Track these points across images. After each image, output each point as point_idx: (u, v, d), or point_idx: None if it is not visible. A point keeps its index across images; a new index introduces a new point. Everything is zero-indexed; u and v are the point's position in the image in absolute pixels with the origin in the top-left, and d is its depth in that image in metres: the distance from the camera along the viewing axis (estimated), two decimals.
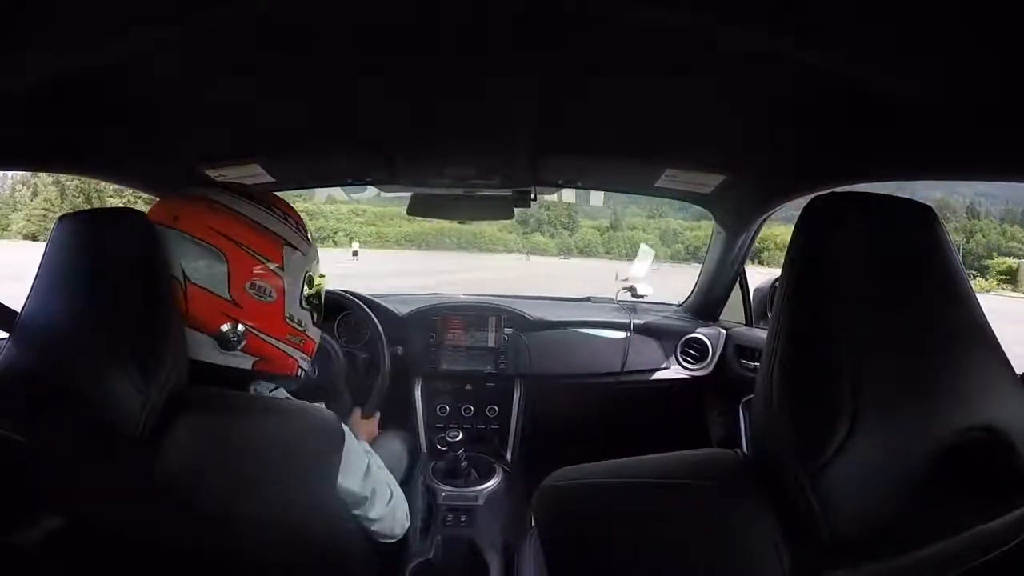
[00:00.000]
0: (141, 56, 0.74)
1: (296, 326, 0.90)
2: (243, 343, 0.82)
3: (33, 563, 0.65)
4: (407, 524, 1.04)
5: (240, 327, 0.81)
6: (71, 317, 0.69)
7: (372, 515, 0.92)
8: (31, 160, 1.00)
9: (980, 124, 0.66)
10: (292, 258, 0.87)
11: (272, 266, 0.84)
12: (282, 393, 0.89)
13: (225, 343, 0.81)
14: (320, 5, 0.65)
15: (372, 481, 0.91)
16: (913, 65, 0.60)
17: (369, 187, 1.68)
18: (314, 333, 0.95)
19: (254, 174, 1.37)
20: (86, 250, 0.71)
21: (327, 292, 1.68)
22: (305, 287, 0.90)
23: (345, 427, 0.86)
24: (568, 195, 1.80)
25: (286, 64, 0.82)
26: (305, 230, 0.91)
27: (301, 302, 0.90)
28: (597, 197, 1.90)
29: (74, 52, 0.66)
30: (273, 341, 0.86)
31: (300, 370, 0.94)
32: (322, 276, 0.97)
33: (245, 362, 0.85)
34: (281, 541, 0.77)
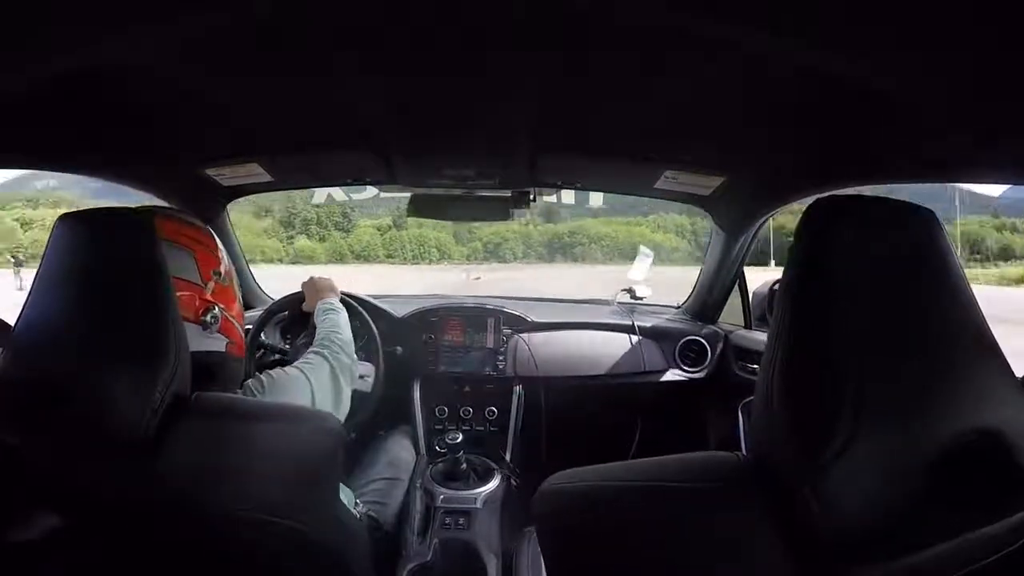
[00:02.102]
0: (141, 56, 0.74)
1: (240, 308, 1.01)
2: (218, 324, 0.92)
3: (33, 564, 0.65)
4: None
5: (216, 310, 0.91)
6: (71, 318, 0.68)
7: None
8: (31, 160, 0.99)
9: (981, 126, 0.66)
10: (223, 253, 0.98)
11: (221, 256, 0.96)
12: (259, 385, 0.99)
13: (205, 327, 0.90)
14: (319, 5, 0.65)
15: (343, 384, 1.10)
16: (913, 66, 0.60)
17: (368, 187, 1.68)
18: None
19: (254, 174, 1.37)
20: (87, 250, 0.71)
21: None
22: (235, 274, 1.02)
23: (296, 368, 1.03)
24: (567, 196, 1.81)
25: (286, 64, 0.82)
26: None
27: (239, 285, 1.02)
28: (597, 198, 1.91)
29: (74, 52, 0.66)
30: (236, 323, 0.97)
31: (244, 352, 1.03)
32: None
33: (219, 344, 0.93)
34: (282, 544, 0.76)
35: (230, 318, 0.95)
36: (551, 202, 1.83)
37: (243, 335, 1.00)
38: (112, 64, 0.74)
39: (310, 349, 1.16)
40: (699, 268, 1.89)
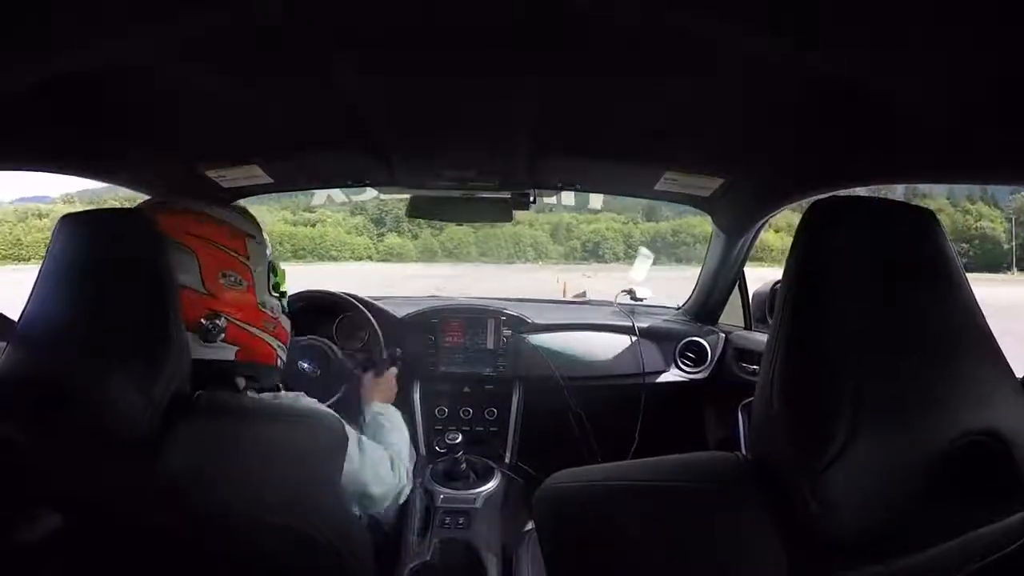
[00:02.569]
0: (141, 56, 0.74)
1: (270, 312, 0.94)
2: (223, 333, 0.85)
3: (34, 564, 0.64)
4: (410, 481, 1.10)
5: (220, 319, 0.84)
6: (73, 317, 0.68)
7: (380, 492, 0.98)
8: (31, 160, 0.99)
9: (980, 126, 0.66)
10: (255, 248, 0.92)
11: (240, 256, 0.89)
12: (292, 395, 0.92)
13: (206, 334, 0.83)
14: (319, 5, 0.65)
15: (368, 460, 0.96)
16: (913, 67, 0.60)
17: (368, 189, 1.68)
18: (285, 322, 0.99)
19: (253, 175, 1.37)
20: (88, 251, 0.71)
21: (327, 293, 1.70)
22: (271, 275, 0.96)
23: (348, 428, 0.89)
24: (567, 198, 1.81)
25: (286, 64, 0.82)
26: (258, 223, 0.97)
27: (269, 289, 0.95)
28: (596, 199, 1.91)
29: (74, 52, 0.66)
30: (251, 328, 0.90)
31: (278, 359, 0.96)
32: (282, 268, 1.03)
33: (228, 353, 0.87)
34: (283, 544, 0.76)
35: (242, 325, 0.88)
36: (551, 203, 1.83)
37: (271, 342, 0.93)
38: (112, 65, 0.74)
39: (384, 445, 1.07)
40: None
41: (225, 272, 0.86)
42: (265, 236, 0.96)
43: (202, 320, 0.83)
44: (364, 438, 0.98)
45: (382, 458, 1.01)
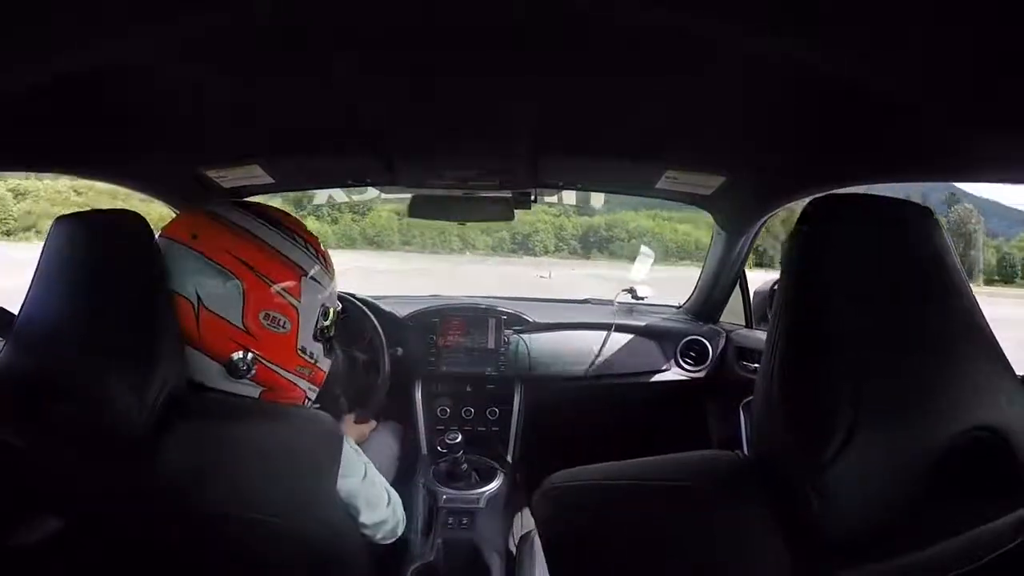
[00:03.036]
0: (141, 56, 0.74)
1: (308, 358, 0.88)
2: (252, 372, 0.80)
3: (32, 564, 0.65)
4: (404, 523, 1.03)
5: (250, 356, 0.80)
6: (68, 318, 0.69)
7: (371, 520, 0.91)
8: (31, 160, 1.00)
9: (980, 125, 0.66)
10: (309, 290, 0.85)
11: (289, 297, 0.82)
12: None
13: (234, 371, 0.79)
14: (319, 5, 0.65)
15: (369, 486, 0.91)
16: (913, 66, 0.60)
17: (370, 188, 1.68)
18: (324, 364, 0.93)
19: (254, 175, 1.37)
20: (83, 251, 0.71)
21: None
22: (320, 319, 0.88)
23: (343, 432, 0.86)
24: (568, 196, 1.81)
25: (286, 64, 0.82)
26: (325, 259, 0.89)
27: (315, 334, 0.88)
28: (597, 198, 1.91)
29: (74, 52, 0.66)
30: (283, 373, 0.85)
31: (307, 400, 0.92)
32: (338, 309, 0.95)
33: (252, 391, 0.84)
34: (280, 543, 0.77)
35: (275, 368, 0.83)
36: (552, 202, 1.83)
37: (303, 387, 0.89)
38: (112, 65, 0.74)
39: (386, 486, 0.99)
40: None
41: (268, 313, 0.80)
42: (329, 274, 0.89)
43: (233, 356, 0.78)
44: (368, 461, 0.93)
45: (382, 492, 0.95)
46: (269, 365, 0.82)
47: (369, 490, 0.91)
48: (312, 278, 0.85)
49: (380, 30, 0.71)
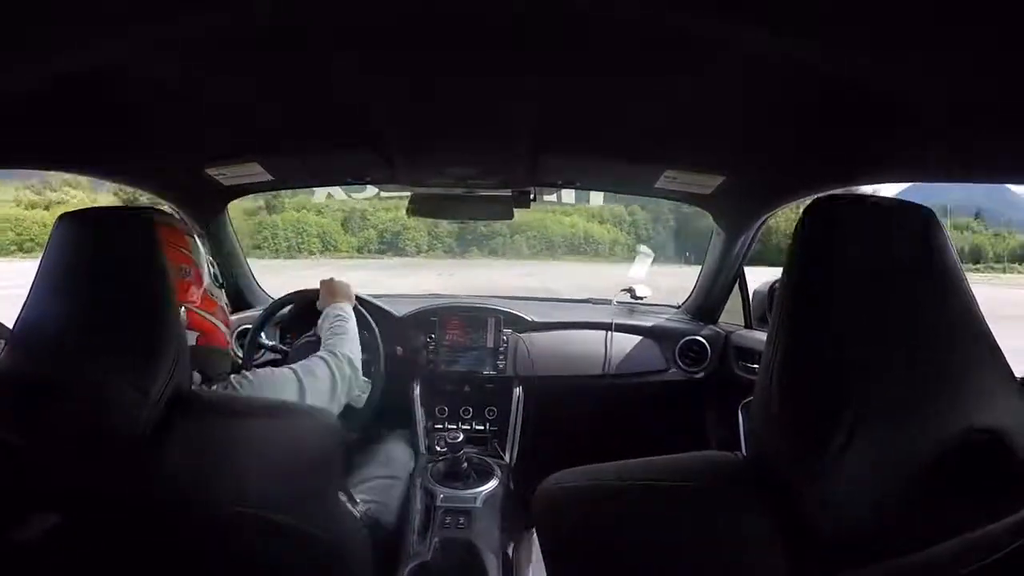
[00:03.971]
0: (141, 56, 0.74)
1: (217, 300, 1.02)
2: (185, 319, 0.92)
3: (32, 563, 0.65)
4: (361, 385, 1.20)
5: (181, 306, 0.91)
6: (71, 316, 0.69)
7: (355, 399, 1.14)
8: (31, 160, 1.00)
9: (980, 125, 0.66)
10: (194, 244, 0.98)
11: (185, 252, 0.96)
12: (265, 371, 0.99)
13: None
14: (319, 5, 0.65)
15: (340, 386, 1.11)
16: (913, 66, 0.60)
17: (368, 186, 1.68)
18: (226, 306, 1.07)
19: (254, 173, 1.37)
20: (87, 249, 0.71)
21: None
22: (210, 268, 1.02)
23: (293, 369, 1.02)
24: (567, 195, 1.81)
25: (285, 64, 0.82)
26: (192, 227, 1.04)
27: (212, 279, 1.02)
28: (597, 197, 1.91)
29: (74, 52, 0.66)
30: (207, 316, 0.98)
31: (229, 345, 1.03)
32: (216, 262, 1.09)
33: (190, 339, 0.93)
34: (281, 541, 0.77)
35: (201, 312, 0.96)
36: (551, 201, 1.83)
37: (222, 327, 1.01)
38: (112, 64, 0.74)
39: (315, 353, 1.15)
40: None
41: (180, 267, 0.93)
42: (200, 234, 1.05)
43: None
44: (299, 369, 1.05)
45: (324, 378, 1.09)
46: (196, 310, 0.96)
47: (313, 391, 1.03)
48: (191, 236, 0.99)
49: (380, 30, 0.71)
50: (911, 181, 0.93)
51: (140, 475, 0.69)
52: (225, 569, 0.76)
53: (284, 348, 1.59)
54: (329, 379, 1.09)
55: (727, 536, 0.51)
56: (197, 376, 0.94)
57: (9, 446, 0.64)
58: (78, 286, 0.69)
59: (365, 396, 1.44)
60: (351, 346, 1.25)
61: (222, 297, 1.05)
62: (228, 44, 0.74)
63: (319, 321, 1.36)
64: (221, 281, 1.08)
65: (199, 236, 1.03)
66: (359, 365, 1.22)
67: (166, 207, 1.07)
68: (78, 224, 0.72)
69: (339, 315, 1.34)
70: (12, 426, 0.65)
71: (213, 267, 1.04)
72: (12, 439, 0.64)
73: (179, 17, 0.61)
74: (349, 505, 0.90)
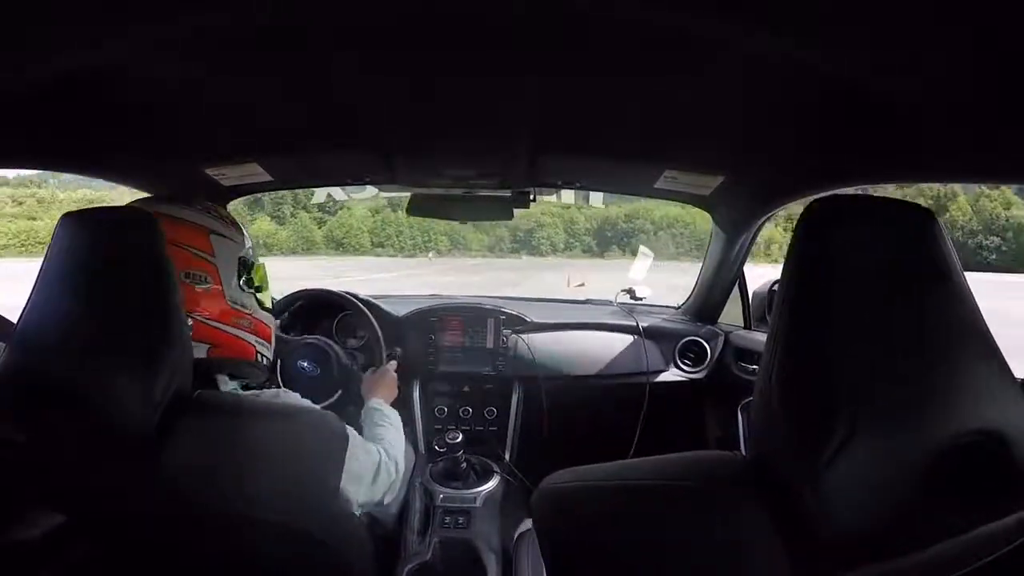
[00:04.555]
0: (141, 56, 0.74)
1: (241, 308, 0.92)
2: (188, 331, 0.82)
3: (34, 563, 0.65)
4: (402, 472, 1.09)
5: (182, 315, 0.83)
6: (75, 316, 0.68)
7: (385, 501, 0.99)
8: (31, 160, 0.99)
9: (980, 126, 0.66)
10: (221, 244, 0.90)
11: (202, 254, 0.87)
12: (272, 392, 0.92)
13: None
14: (319, 5, 0.65)
15: (383, 478, 0.97)
16: (913, 66, 0.60)
17: (368, 187, 1.68)
18: (264, 317, 0.98)
19: (253, 173, 1.37)
20: (90, 249, 0.71)
21: (325, 292, 1.70)
22: (242, 271, 0.93)
23: (348, 428, 0.89)
24: (567, 196, 1.81)
25: (285, 64, 0.82)
26: (231, 220, 0.95)
27: (240, 286, 0.93)
28: (596, 197, 1.91)
29: (74, 52, 0.66)
30: (220, 326, 0.89)
31: (260, 356, 0.95)
32: (261, 262, 1.00)
33: (199, 351, 0.86)
34: (283, 542, 0.77)
35: (212, 323, 0.88)
36: (551, 202, 1.83)
37: (249, 338, 0.93)
38: (112, 64, 0.74)
39: (375, 439, 1.06)
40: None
41: (189, 272, 0.85)
42: (240, 232, 0.95)
43: None
44: (357, 435, 0.95)
45: (371, 458, 0.99)
46: (207, 322, 0.87)
47: (382, 488, 0.97)
48: (220, 234, 0.90)
49: (380, 30, 0.71)
50: (911, 181, 0.93)
51: (142, 475, 0.69)
52: (226, 569, 0.76)
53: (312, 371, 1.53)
54: (373, 469, 0.97)
55: (726, 535, 0.51)
56: (224, 379, 0.89)
57: (12, 446, 0.64)
58: (79, 286, 0.69)
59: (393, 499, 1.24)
60: (399, 449, 1.11)
61: (253, 305, 0.95)
62: (228, 44, 0.74)
63: (363, 412, 1.23)
64: (258, 285, 0.98)
65: (234, 231, 0.94)
66: (403, 472, 1.09)
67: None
68: (79, 224, 0.72)
69: (384, 414, 1.21)
70: (14, 426, 0.65)
71: (247, 271, 0.94)
72: (15, 439, 0.64)
73: (179, 17, 0.61)
74: (349, 506, 0.89)
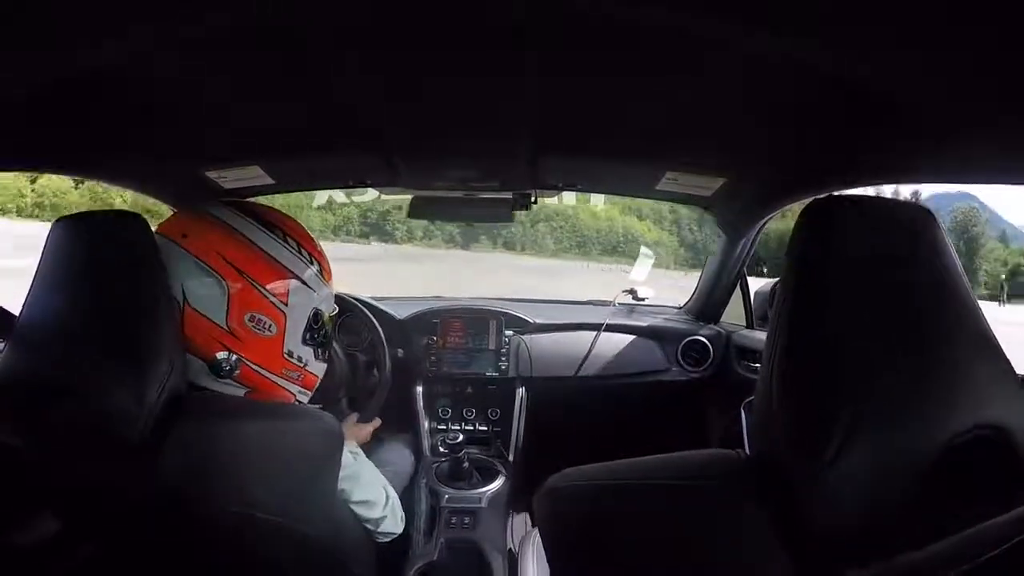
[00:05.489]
0: (141, 57, 0.74)
1: (295, 362, 0.87)
2: (236, 372, 0.80)
3: (33, 564, 0.65)
4: (403, 523, 1.06)
5: (234, 357, 0.79)
6: (69, 319, 0.69)
7: (367, 517, 0.94)
8: (28, 163, 1.00)
9: (980, 125, 0.66)
10: (298, 293, 0.84)
11: (275, 300, 0.82)
12: None
13: (218, 370, 0.79)
14: (319, 5, 0.65)
15: (367, 487, 0.94)
16: (913, 66, 0.60)
17: (369, 189, 1.68)
18: (316, 368, 0.93)
19: (254, 176, 1.37)
20: (84, 252, 0.71)
21: None
22: (311, 324, 0.87)
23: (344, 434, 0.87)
24: (568, 198, 1.81)
25: (286, 65, 0.82)
26: (320, 263, 0.89)
27: (304, 338, 0.87)
28: (597, 199, 1.91)
29: (74, 53, 0.66)
30: (268, 375, 0.84)
31: (296, 402, 0.92)
32: (335, 311, 0.94)
33: (237, 391, 0.83)
34: (282, 542, 0.77)
35: (260, 370, 0.83)
36: (552, 203, 1.83)
37: (292, 390, 0.89)
38: (112, 65, 0.74)
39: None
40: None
41: (254, 315, 0.80)
42: (319, 280, 0.88)
43: (217, 355, 0.78)
44: (367, 462, 0.95)
45: (379, 484, 0.98)
46: (253, 367, 0.82)
47: (367, 491, 0.93)
48: (302, 282, 0.85)
49: (380, 30, 0.71)
50: (911, 182, 0.93)
51: (139, 477, 0.69)
52: (226, 570, 0.76)
53: None
54: (383, 504, 0.97)
55: (728, 535, 0.51)
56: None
57: (7, 447, 0.64)
58: (73, 289, 0.70)
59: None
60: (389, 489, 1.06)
61: (309, 356, 0.88)
62: (228, 44, 0.74)
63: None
64: (322, 339, 0.91)
65: (318, 280, 0.87)
66: (394, 499, 1.05)
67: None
68: (73, 228, 0.72)
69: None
70: (10, 428, 0.65)
71: (316, 323, 0.87)
72: (10, 440, 0.64)
73: (179, 17, 0.61)
74: (347, 505, 0.89)
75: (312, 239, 0.89)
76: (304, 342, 0.87)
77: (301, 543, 0.78)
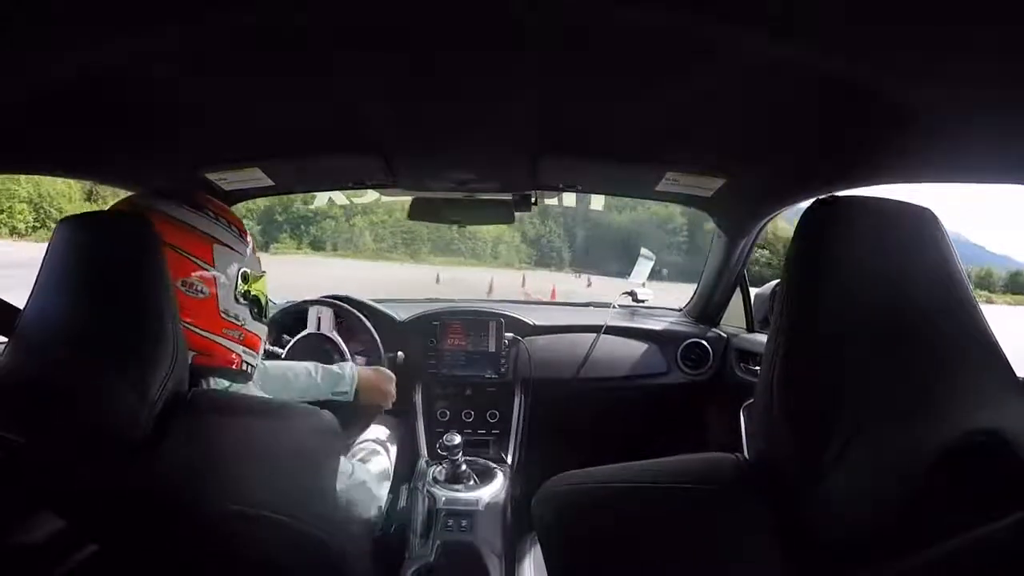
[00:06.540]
0: (141, 58, 0.74)
1: (233, 320, 0.92)
2: (181, 330, 0.82)
3: (33, 564, 0.64)
4: (385, 517, 1.13)
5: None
6: (71, 319, 0.69)
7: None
8: (31, 163, 1.00)
9: (980, 125, 0.66)
10: (223, 256, 0.89)
11: (202, 263, 0.87)
12: (251, 390, 0.94)
13: None
14: (319, 5, 0.65)
15: (355, 488, 1.00)
16: (914, 66, 0.60)
17: (369, 191, 1.68)
18: (255, 328, 0.97)
19: (254, 178, 1.37)
20: (87, 252, 0.71)
21: (326, 296, 1.70)
22: (240, 283, 0.93)
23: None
24: (568, 199, 1.81)
25: (286, 67, 0.82)
26: (240, 229, 0.94)
27: (236, 298, 0.92)
28: (598, 200, 1.91)
29: (74, 53, 0.66)
30: (210, 336, 0.88)
31: (245, 364, 0.95)
32: (262, 273, 1.00)
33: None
34: (280, 541, 0.76)
35: (200, 332, 0.87)
36: (552, 204, 1.83)
37: (235, 348, 0.93)
38: (112, 67, 0.74)
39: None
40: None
41: (186, 280, 0.85)
42: (245, 242, 0.95)
43: None
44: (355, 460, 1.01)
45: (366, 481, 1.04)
46: (195, 330, 0.86)
47: (354, 492, 0.98)
48: (225, 244, 0.90)
49: (380, 30, 0.71)
50: (911, 182, 0.92)
51: (140, 476, 0.68)
52: (225, 570, 0.75)
53: (279, 352, 1.59)
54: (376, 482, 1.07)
55: (727, 537, 0.51)
56: (222, 382, 0.90)
57: (9, 446, 0.64)
58: (77, 289, 0.70)
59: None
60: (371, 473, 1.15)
61: (245, 315, 0.94)
62: (228, 45, 0.74)
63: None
64: (255, 297, 0.96)
65: (239, 242, 0.93)
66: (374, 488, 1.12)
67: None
68: (77, 228, 0.72)
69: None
70: (12, 426, 0.65)
71: (244, 282, 0.93)
72: (12, 439, 0.64)
73: (179, 18, 0.61)
74: (349, 506, 0.89)
75: (227, 208, 0.95)
76: (237, 301, 0.92)
77: (300, 542, 0.77)
